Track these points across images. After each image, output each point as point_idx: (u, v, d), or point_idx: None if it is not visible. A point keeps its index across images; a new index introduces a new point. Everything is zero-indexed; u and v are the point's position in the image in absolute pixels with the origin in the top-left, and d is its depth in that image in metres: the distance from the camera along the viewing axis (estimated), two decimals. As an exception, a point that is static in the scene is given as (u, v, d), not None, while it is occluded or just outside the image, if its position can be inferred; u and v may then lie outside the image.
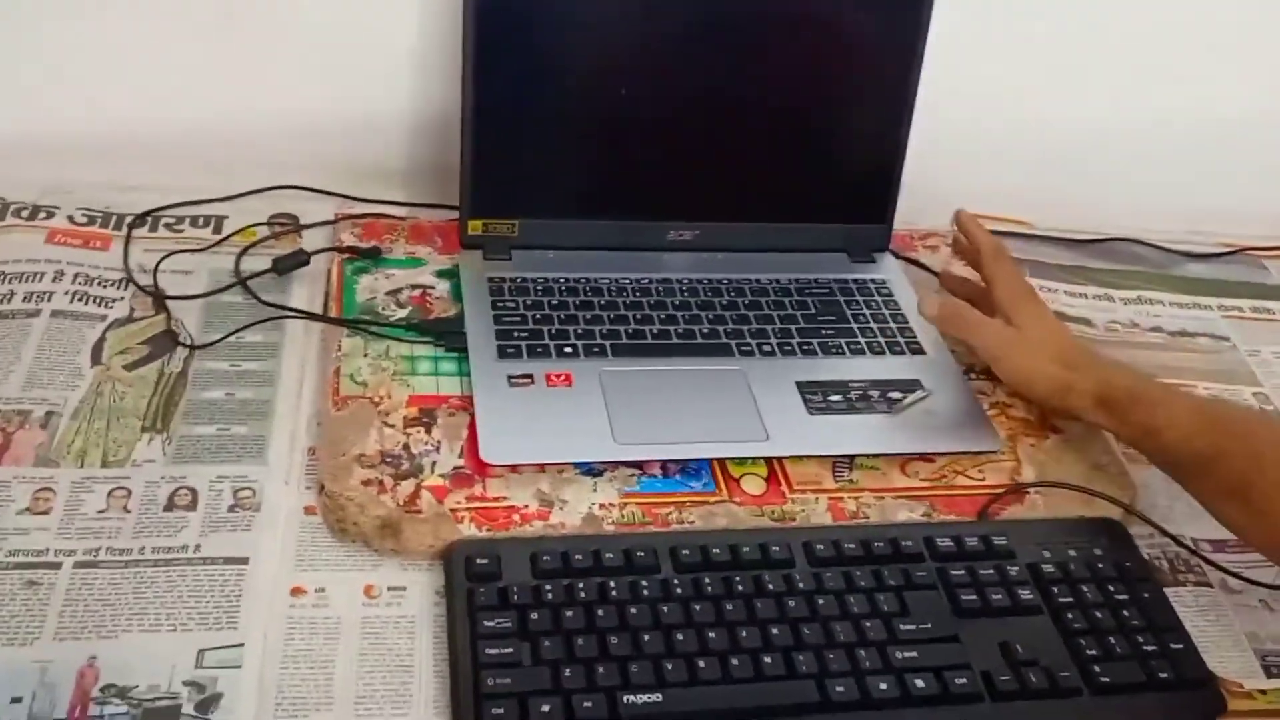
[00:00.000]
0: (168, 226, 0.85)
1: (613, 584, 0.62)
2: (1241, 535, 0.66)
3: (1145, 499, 0.73)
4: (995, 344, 0.75)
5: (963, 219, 0.83)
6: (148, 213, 0.85)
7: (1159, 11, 0.95)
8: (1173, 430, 0.67)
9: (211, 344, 0.75)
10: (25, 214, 0.83)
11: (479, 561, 0.62)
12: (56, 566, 0.61)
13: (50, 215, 0.83)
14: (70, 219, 0.83)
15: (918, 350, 0.80)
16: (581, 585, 0.61)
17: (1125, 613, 0.65)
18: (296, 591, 0.62)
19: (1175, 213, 1.02)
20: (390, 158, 0.90)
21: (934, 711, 0.59)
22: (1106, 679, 0.61)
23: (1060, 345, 0.75)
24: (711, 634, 0.60)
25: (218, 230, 0.85)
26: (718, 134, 0.83)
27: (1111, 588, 0.66)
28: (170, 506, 0.65)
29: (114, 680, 0.56)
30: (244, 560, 0.63)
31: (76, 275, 0.78)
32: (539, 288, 0.81)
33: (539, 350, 0.75)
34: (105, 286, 0.78)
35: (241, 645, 0.59)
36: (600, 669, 0.58)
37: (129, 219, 0.84)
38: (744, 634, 0.60)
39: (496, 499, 0.67)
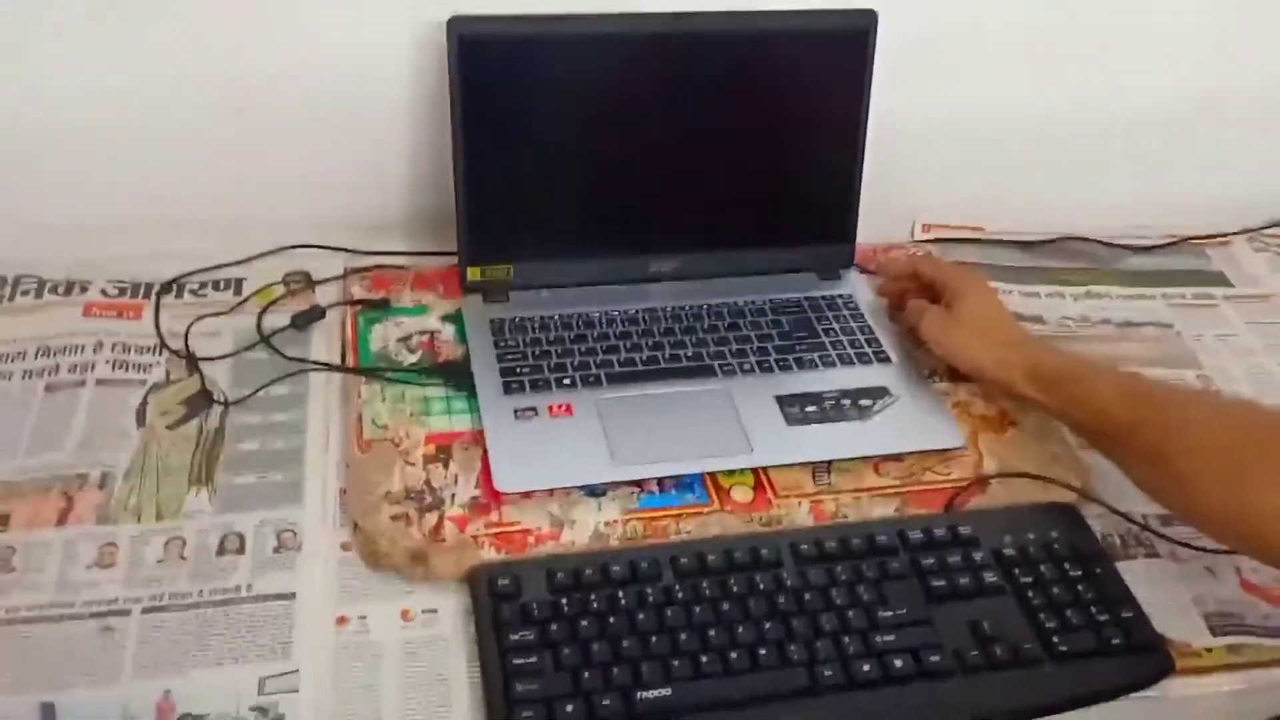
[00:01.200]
0: (192, 292, 0.92)
1: (621, 594, 0.69)
2: (1157, 499, 0.73)
3: (1097, 482, 0.81)
4: (937, 329, 0.84)
5: (881, 267, 0.96)
6: (173, 280, 0.92)
7: (1089, 15, 1.00)
8: (1095, 401, 0.75)
9: (243, 399, 0.83)
10: (61, 290, 0.90)
11: (500, 582, 0.69)
12: (127, 613, 0.68)
13: (84, 290, 0.90)
14: (103, 291, 0.91)
15: (884, 359, 0.88)
16: (593, 597, 0.69)
17: (1080, 587, 0.72)
18: (341, 620, 0.69)
19: (1120, 209, 1.09)
20: (392, 212, 0.97)
21: (912, 688, 0.67)
22: (1065, 648, 0.69)
23: (997, 326, 0.83)
24: (711, 632, 0.67)
25: (238, 292, 0.92)
26: (690, 173, 0.91)
27: (1067, 565, 0.73)
28: (222, 551, 0.72)
29: (189, 710, 0.64)
30: (291, 595, 0.70)
31: (114, 345, 0.86)
32: (536, 325, 0.88)
33: (540, 384, 0.83)
34: (141, 353, 0.86)
35: (297, 671, 0.66)
36: (615, 670, 0.65)
37: (157, 288, 0.91)
38: (740, 630, 0.68)
39: (512, 523, 0.74)
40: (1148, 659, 0.70)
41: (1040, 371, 0.79)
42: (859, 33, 0.88)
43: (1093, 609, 0.71)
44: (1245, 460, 0.66)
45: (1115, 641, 0.70)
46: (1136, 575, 0.75)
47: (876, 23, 0.88)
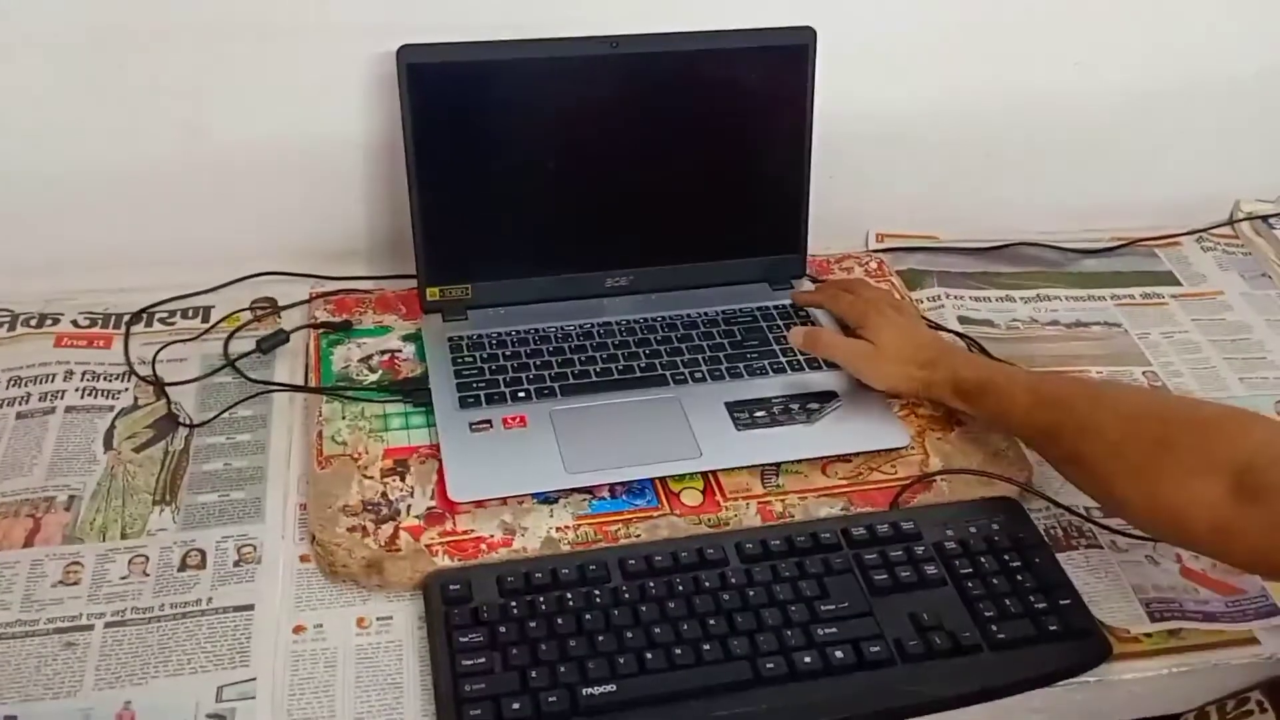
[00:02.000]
0: (161, 320, 0.95)
1: (569, 596, 0.71)
2: (1083, 492, 0.76)
3: (1040, 477, 0.83)
4: (853, 360, 0.86)
5: (798, 301, 0.96)
6: (142, 310, 0.95)
7: (1030, 25, 1.02)
8: (1016, 412, 0.78)
9: (208, 421, 0.85)
10: (33, 322, 0.93)
11: (452, 588, 0.71)
12: (90, 628, 0.70)
13: (55, 321, 0.93)
14: (74, 323, 0.93)
15: (833, 365, 0.90)
16: (542, 599, 0.71)
17: (1019, 577, 0.74)
18: (298, 629, 0.72)
19: (1073, 213, 1.11)
20: (355, 238, 1.00)
21: (852, 678, 0.68)
22: (1003, 635, 0.70)
23: (914, 348, 0.85)
24: (657, 629, 0.69)
25: (206, 319, 0.95)
26: (641, 189, 0.93)
27: (1007, 557, 0.75)
28: (183, 567, 0.75)
29: (148, 719, 0.66)
30: (250, 607, 0.72)
31: (84, 373, 0.88)
32: (493, 341, 0.91)
33: (495, 398, 0.85)
34: (110, 380, 0.88)
35: (254, 679, 0.68)
36: (562, 669, 0.67)
37: (126, 317, 0.94)
38: (685, 627, 0.70)
39: (465, 532, 0.76)
40: (1085, 644, 0.71)
41: (962, 386, 0.81)
42: (799, 49, 0.91)
43: (1031, 597, 0.73)
44: (1152, 458, 0.68)
45: (1053, 628, 0.71)
46: (1078, 565, 0.77)
47: (816, 40, 0.91)
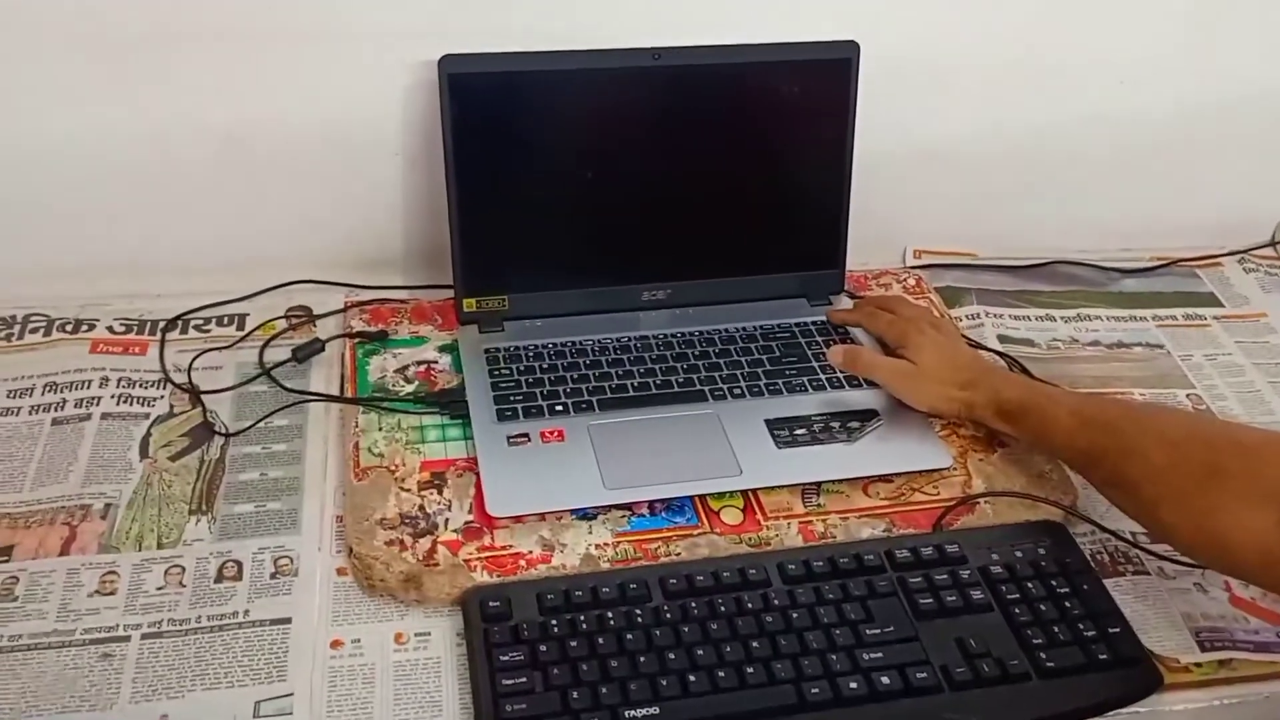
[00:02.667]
0: (196, 328, 0.94)
1: (610, 615, 0.70)
2: (1126, 515, 0.74)
3: (1085, 500, 0.81)
4: (894, 380, 0.85)
5: (835, 319, 0.94)
6: (178, 317, 0.95)
7: (1073, 43, 1.02)
8: (1058, 434, 0.77)
9: (244, 431, 0.85)
10: (69, 328, 0.93)
11: (492, 604, 0.70)
12: (126, 640, 0.70)
13: (91, 327, 0.93)
14: (109, 329, 0.93)
15: (873, 382, 0.89)
16: (583, 618, 0.70)
17: (1067, 604, 0.72)
18: (335, 644, 0.71)
19: (1112, 232, 1.10)
20: (391, 247, 1.00)
21: (899, 704, 0.67)
22: (1051, 664, 0.69)
23: (954, 368, 0.84)
24: (699, 651, 0.68)
25: (241, 327, 0.95)
26: (680, 202, 0.93)
27: (1054, 582, 0.74)
28: (220, 578, 0.74)
29: (185, 734, 0.65)
30: (287, 620, 0.71)
31: (120, 380, 0.88)
32: (530, 354, 0.90)
33: (533, 411, 0.84)
34: (146, 387, 0.88)
35: (291, 695, 0.67)
36: (604, 690, 0.66)
37: (162, 324, 0.94)
38: (728, 649, 0.69)
39: (504, 547, 0.76)
40: (1135, 674, 0.70)
41: (1004, 407, 0.80)
42: (841, 63, 0.90)
43: (1080, 625, 0.71)
44: (1199, 484, 0.67)
45: (1102, 657, 0.70)
46: (1125, 592, 0.76)
47: (859, 53, 0.90)
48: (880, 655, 0.69)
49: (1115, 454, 0.72)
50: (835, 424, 0.85)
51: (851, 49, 0.90)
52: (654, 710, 0.66)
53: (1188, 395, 0.94)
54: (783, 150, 0.93)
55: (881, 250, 1.07)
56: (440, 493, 0.79)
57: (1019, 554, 0.76)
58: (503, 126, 0.87)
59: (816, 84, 0.91)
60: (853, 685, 0.67)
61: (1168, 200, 1.12)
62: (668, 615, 0.70)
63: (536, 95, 0.87)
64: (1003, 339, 0.98)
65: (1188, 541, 0.70)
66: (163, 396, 0.87)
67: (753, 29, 0.90)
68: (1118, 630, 0.71)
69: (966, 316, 1.01)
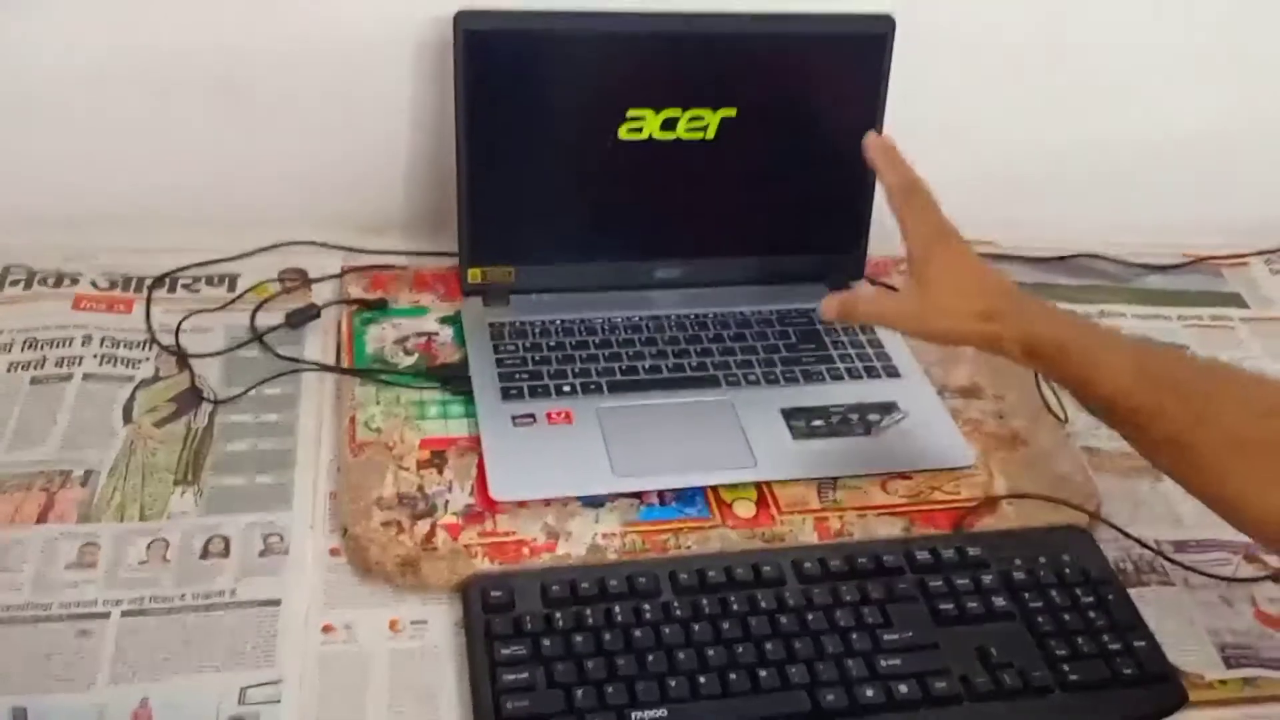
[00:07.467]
0: (185, 287, 0.90)
1: (617, 609, 0.67)
2: (1179, 484, 0.67)
3: (1110, 505, 0.79)
4: (900, 319, 0.74)
5: (871, 150, 0.77)
6: (166, 275, 0.90)
7: (1109, 38, 0.99)
8: (1108, 384, 0.66)
9: (234, 398, 0.80)
10: (51, 282, 0.88)
11: (493, 594, 0.67)
12: (105, 616, 0.66)
13: (74, 282, 0.88)
14: (94, 284, 0.88)
15: (894, 373, 0.85)
16: (589, 611, 0.66)
17: (1091, 614, 0.70)
18: (327, 629, 0.67)
19: (1137, 227, 1.07)
20: (392, 210, 0.95)
21: (916, 715, 0.64)
22: (1075, 677, 0.66)
23: (979, 294, 0.71)
24: (710, 651, 0.65)
25: (232, 288, 0.90)
26: (699, 177, 0.88)
27: (1078, 591, 0.71)
28: (206, 554, 0.70)
29: (166, 718, 0.61)
30: (276, 602, 0.68)
31: (103, 339, 0.83)
32: (537, 330, 0.86)
33: (539, 390, 0.81)
34: (131, 348, 0.83)
35: (280, 681, 0.64)
36: (609, 689, 0.63)
37: (149, 282, 0.89)
38: (740, 650, 0.65)
39: (506, 533, 0.72)
40: (1160, 690, 0.67)
41: (1036, 345, 0.68)
42: (877, 38, 0.86)
43: (1104, 637, 0.69)
44: None
45: (1127, 671, 0.67)
46: (1149, 603, 0.73)
47: (895, 29, 0.86)
48: (898, 662, 0.66)
49: (1182, 418, 0.64)
50: (854, 416, 0.81)
51: (888, 24, 0.86)
52: (662, 712, 0.62)
53: (1213, 399, 0.91)
54: (810, 126, 0.89)
55: (896, 234, 1.03)
56: (440, 473, 0.75)
57: (1042, 560, 0.73)
58: (519, 88, 0.83)
59: (850, 59, 0.87)
60: (869, 693, 0.64)
61: (1196, 196, 1.08)
62: (678, 612, 0.67)
63: (557, 57, 0.83)
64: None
65: (1257, 520, 0.63)
66: (148, 359, 0.83)
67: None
68: (1143, 644, 0.69)
69: (986, 308, 0.97)
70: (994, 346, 0.70)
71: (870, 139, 0.76)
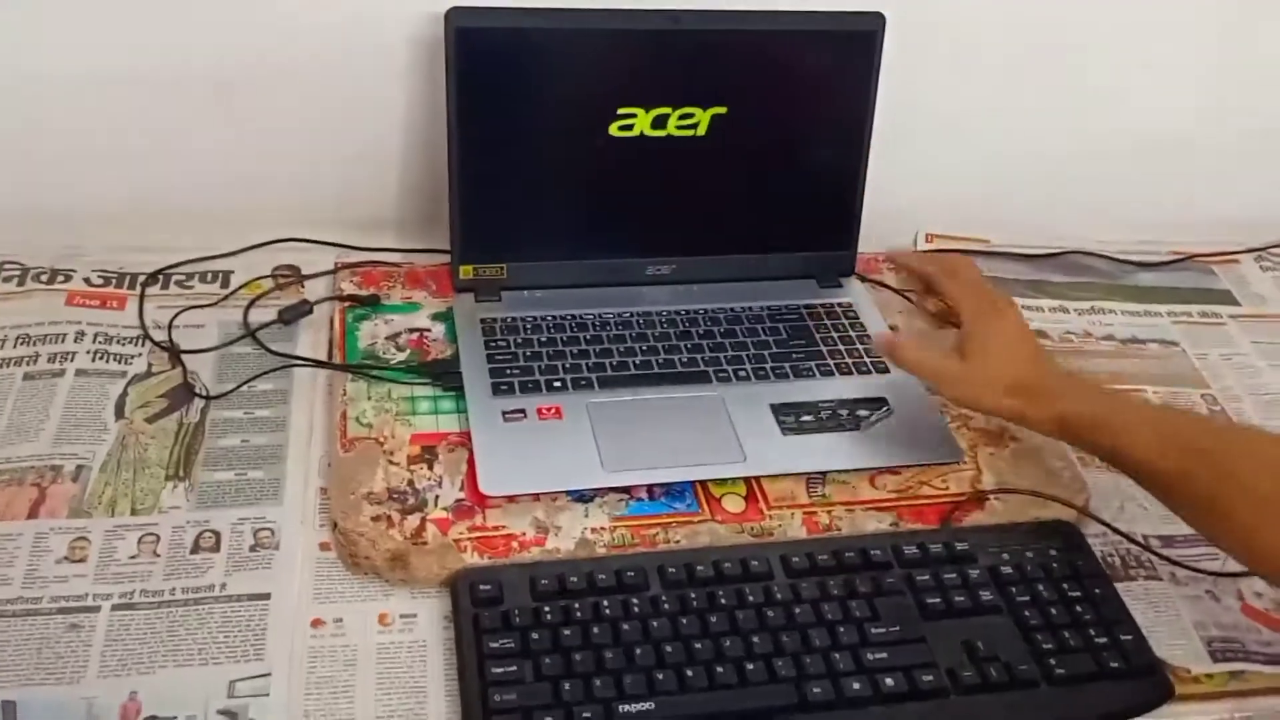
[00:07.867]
0: (178, 284, 0.90)
1: (606, 603, 0.67)
2: (1215, 544, 0.69)
3: (1098, 500, 0.79)
4: (937, 378, 0.78)
5: (899, 262, 0.85)
6: (159, 271, 0.90)
7: (1101, 37, 0.99)
8: (1136, 452, 0.69)
9: (226, 394, 0.81)
10: (44, 278, 0.88)
11: (482, 588, 0.67)
12: (96, 610, 0.66)
13: (67, 278, 0.89)
14: (87, 280, 0.89)
15: (883, 369, 0.86)
16: (577, 605, 0.67)
17: (1078, 608, 0.70)
18: (316, 623, 0.67)
19: (1127, 224, 1.07)
20: (384, 208, 0.96)
21: (903, 707, 0.65)
22: (1061, 670, 0.67)
23: (1015, 373, 0.75)
24: (698, 645, 0.66)
25: (225, 285, 0.90)
26: (689, 173, 0.88)
27: (1065, 585, 0.71)
28: (196, 549, 0.70)
29: (155, 712, 0.62)
30: (266, 596, 0.68)
31: (96, 335, 0.84)
32: (528, 326, 0.86)
33: (530, 386, 0.81)
34: (124, 344, 0.84)
35: (269, 675, 0.64)
36: (597, 682, 0.63)
37: (142, 278, 0.89)
38: (727, 643, 0.66)
39: (496, 528, 0.72)
40: (1147, 684, 0.68)
41: (1070, 425, 0.72)
42: (866, 35, 0.86)
43: (1091, 631, 0.69)
44: None
45: (1114, 665, 0.68)
46: (1136, 597, 0.74)
47: (884, 26, 0.86)
48: (885, 655, 0.66)
49: (1209, 478, 0.67)
50: (843, 412, 0.82)
51: (877, 21, 0.86)
52: (649, 706, 0.63)
53: (1202, 395, 0.91)
54: (800, 124, 0.89)
55: (891, 233, 1.03)
56: (430, 468, 0.76)
57: (1030, 554, 0.73)
58: (510, 85, 0.83)
59: (839, 56, 0.87)
60: (856, 686, 0.65)
61: (1188, 193, 1.08)
62: (666, 606, 0.68)
63: (548, 54, 0.83)
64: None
65: None
66: (141, 354, 0.83)
67: (776, -4, 0.86)
68: (1130, 638, 0.69)
69: (978, 305, 0.98)
70: (1020, 421, 0.75)
71: (895, 257, 0.86)
